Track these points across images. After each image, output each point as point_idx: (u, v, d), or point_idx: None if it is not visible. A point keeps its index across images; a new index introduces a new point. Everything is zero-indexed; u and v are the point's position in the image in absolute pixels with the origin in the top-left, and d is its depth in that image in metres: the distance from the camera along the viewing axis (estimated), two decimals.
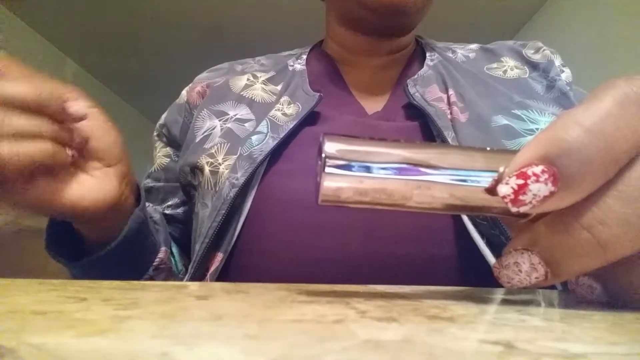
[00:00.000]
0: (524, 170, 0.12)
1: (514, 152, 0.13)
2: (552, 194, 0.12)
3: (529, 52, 0.44)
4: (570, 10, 1.68)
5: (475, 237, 0.29)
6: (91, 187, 0.28)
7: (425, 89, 0.39)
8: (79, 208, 0.27)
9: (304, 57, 0.47)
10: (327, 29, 0.49)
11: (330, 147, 0.14)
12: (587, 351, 0.08)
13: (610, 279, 0.14)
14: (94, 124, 0.28)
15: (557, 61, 0.43)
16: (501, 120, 0.35)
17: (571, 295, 0.18)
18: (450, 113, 0.36)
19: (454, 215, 0.31)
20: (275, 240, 0.32)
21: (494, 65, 0.43)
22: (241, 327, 0.09)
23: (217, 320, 0.10)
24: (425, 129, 0.36)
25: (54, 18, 2.02)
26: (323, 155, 0.14)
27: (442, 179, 0.14)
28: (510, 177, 0.13)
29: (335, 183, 0.14)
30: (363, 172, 0.14)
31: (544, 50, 0.44)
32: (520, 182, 0.12)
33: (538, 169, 0.12)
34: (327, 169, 0.14)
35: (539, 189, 0.12)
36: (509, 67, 0.43)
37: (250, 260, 0.33)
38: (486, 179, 0.14)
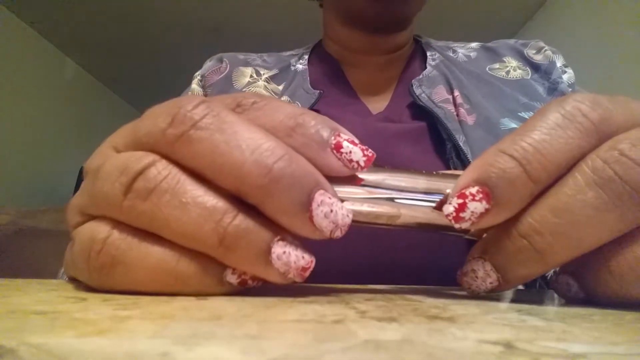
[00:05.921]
0: (463, 191, 0.14)
1: (457, 176, 0.15)
2: (487, 210, 0.14)
3: (530, 53, 0.43)
4: (571, 10, 1.68)
5: None
6: None
7: (432, 90, 0.39)
8: None
9: (306, 57, 0.47)
10: (325, 30, 0.49)
11: None
12: (587, 351, 0.08)
13: (584, 277, 0.15)
14: None
15: (559, 62, 0.42)
16: (509, 123, 0.35)
17: None
18: (457, 115, 0.36)
19: None
20: None
21: (496, 65, 0.43)
22: (241, 327, 0.09)
23: (217, 320, 0.10)
24: (433, 130, 0.36)
25: (54, 18, 2.02)
26: None
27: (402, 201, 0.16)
28: (453, 198, 0.14)
29: None
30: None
31: (545, 50, 0.43)
32: (460, 201, 0.14)
33: (474, 190, 0.14)
34: None
35: (476, 206, 0.14)
36: (512, 68, 0.42)
37: None
38: (434, 201, 0.16)
